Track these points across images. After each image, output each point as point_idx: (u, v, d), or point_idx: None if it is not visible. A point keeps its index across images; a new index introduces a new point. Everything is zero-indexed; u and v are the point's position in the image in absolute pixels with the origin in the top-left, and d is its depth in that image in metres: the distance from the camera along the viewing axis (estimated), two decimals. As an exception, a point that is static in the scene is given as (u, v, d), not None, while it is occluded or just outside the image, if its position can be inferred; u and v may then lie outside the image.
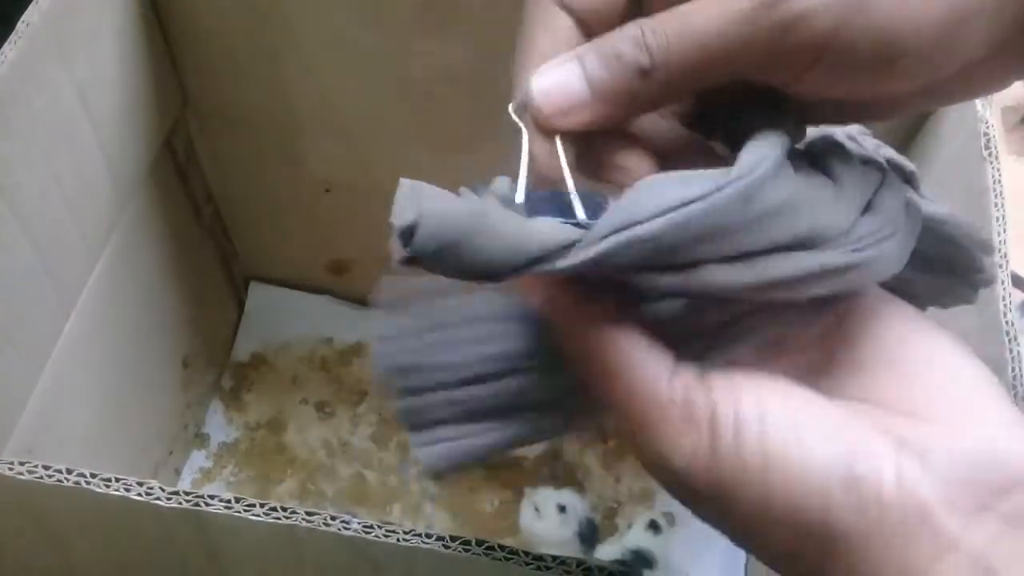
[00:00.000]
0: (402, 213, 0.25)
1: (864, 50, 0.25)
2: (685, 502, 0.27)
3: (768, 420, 0.25)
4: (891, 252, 0.27)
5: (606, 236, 0.24)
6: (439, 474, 0.30)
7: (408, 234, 0.25)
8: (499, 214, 0.25)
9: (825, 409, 0.26)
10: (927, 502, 0.24)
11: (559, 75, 0.27)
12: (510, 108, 0.28)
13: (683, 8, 0.26)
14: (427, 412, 0.30)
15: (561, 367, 0.29)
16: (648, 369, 0.27)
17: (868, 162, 0.29)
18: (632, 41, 0.26)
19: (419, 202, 0.25)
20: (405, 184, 0.26)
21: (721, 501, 0.26)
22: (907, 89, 0.26)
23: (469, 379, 0.30)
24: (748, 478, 0.25)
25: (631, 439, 0.27)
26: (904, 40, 0.24)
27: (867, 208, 0.27)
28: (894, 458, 0.25)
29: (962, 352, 0.28)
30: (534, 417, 0.30)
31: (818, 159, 0.28)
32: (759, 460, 0.25)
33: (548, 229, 0.25)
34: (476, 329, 0.30)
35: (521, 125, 0.28)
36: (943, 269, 0.32)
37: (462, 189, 0.28)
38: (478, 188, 0.28)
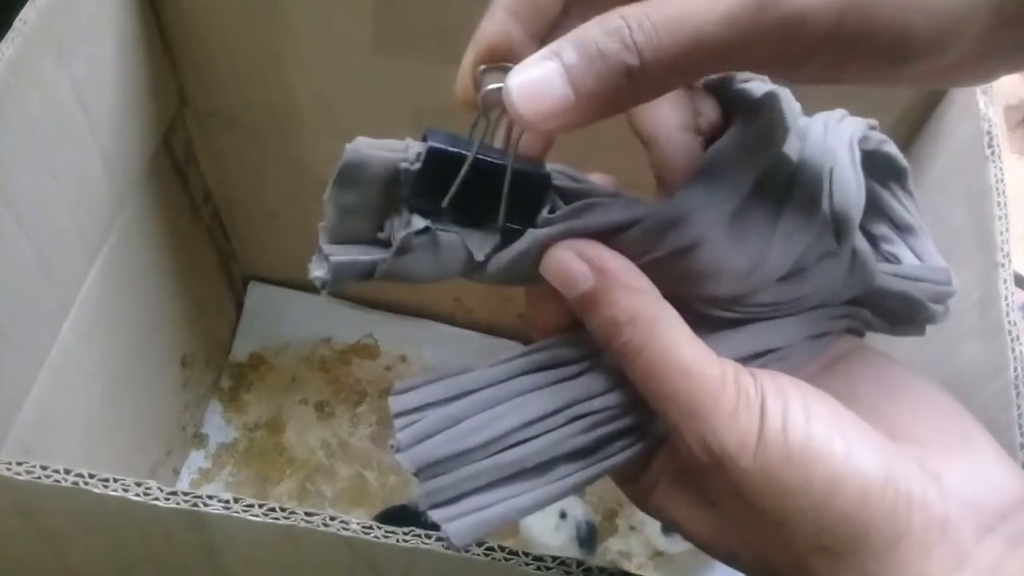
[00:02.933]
0: (314, 268, 0.30)
1: (872, 41, 0.24)
2: (718, 494, 0.27)
3: (813, 414, 0.26)
4: (805, 320, 0.30)
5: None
6: (465, 545, 0.30)
7: (323, 284, 0.30)
8: (410, 259, 0.28)
9: (861, 420, 0.27)
10: (948, 516, 0.25)
11: (538, 75, 0.24)
12: (477, 97, 0.27)
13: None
14: (453, 488, 0.29)
15: (592, 412, 0.29)
16: (698, 350, 0.27)
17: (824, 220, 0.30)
18: (616, 37, 0.24)
19: (327, 260, 0.30)
20: (319, 235, 0.31)
21: (756, 487, 0.26)
22: (908, 77, 0.26)
23: (497, 450, 0.29)
24: (791, 463, 0.25)
25: (677, 428, 0.27)
26: (914, 30, 0.24)
27: (798, 273, 0.29)
28: (919, 474, 0.26)
29: (945, 392, 0.30)
30: (566, 472, 0.30)
31: (771, 208, 0.29)
32: (803, 447, 0.25)
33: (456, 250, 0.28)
34: (497, 401, 0.30)
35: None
36: (900, 318, 0.34)
37: (408, 140, 0.29)
38: (433, 132, 0.29)
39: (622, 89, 0.24)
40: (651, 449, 0.30)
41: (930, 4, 0.24)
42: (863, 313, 0.32)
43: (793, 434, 0.26)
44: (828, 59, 0.24)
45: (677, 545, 0.72)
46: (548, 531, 0.69)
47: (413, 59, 0.60)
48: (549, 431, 0.29)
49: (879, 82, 0.26)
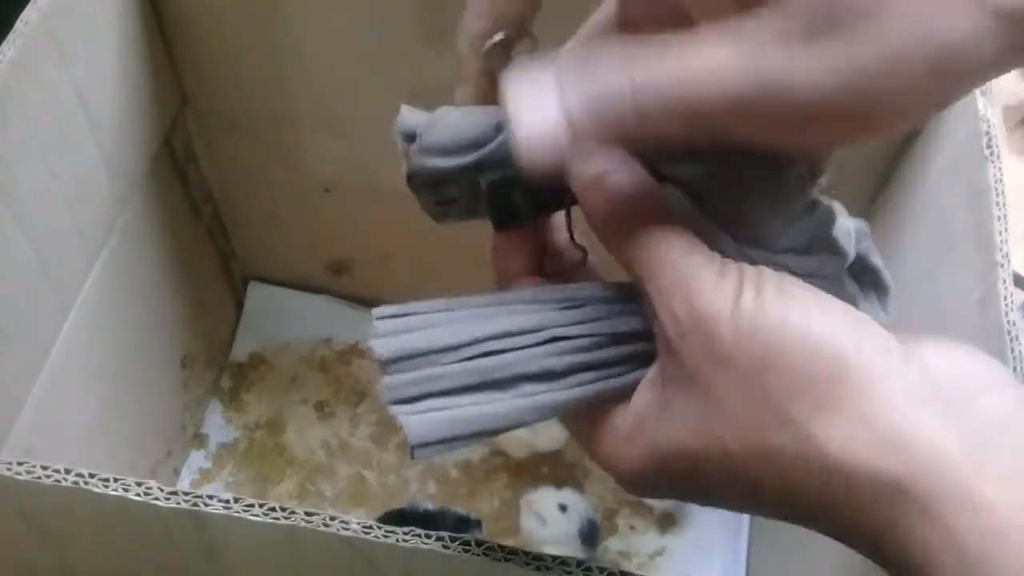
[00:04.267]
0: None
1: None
2: (703, 365, 0.27)
3: (786, 282, 0.27)
4: None
5: None
6: (424, 453, 0.29)
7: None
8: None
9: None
10: (937, 377, 0.26)
11: (541, 121, 0.26)
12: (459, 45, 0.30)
13: (679, 52, 0.25)
14: (418, 385, 0.29)
15: (570, 337, 0.29)
16: (685, 233, 0.28)
17: None
18: (619, 94, 0.25)
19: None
20: None
21: (740, 344, 0.26)
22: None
23: (468, 356, 0.29)
24: (768, 315, 0.26)
25: (665, 302, 0.27)
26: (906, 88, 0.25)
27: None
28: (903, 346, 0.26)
29: None
30: (532, 392, 0.29)
31: None
32: (781, 302, 0.26)
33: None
34: (477, 312, 0.30)
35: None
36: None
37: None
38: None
39: (620, 137, 0.26)
40: (622, 394, 0.30)
41: None
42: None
43: (772, 287, 0.26)
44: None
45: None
46: (551, 528, 0.69)
47: (414, 59, 0.60)
48: (522, 348, 0.29)
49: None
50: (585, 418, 0.30)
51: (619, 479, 0.30)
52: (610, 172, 0.28)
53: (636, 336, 0.30)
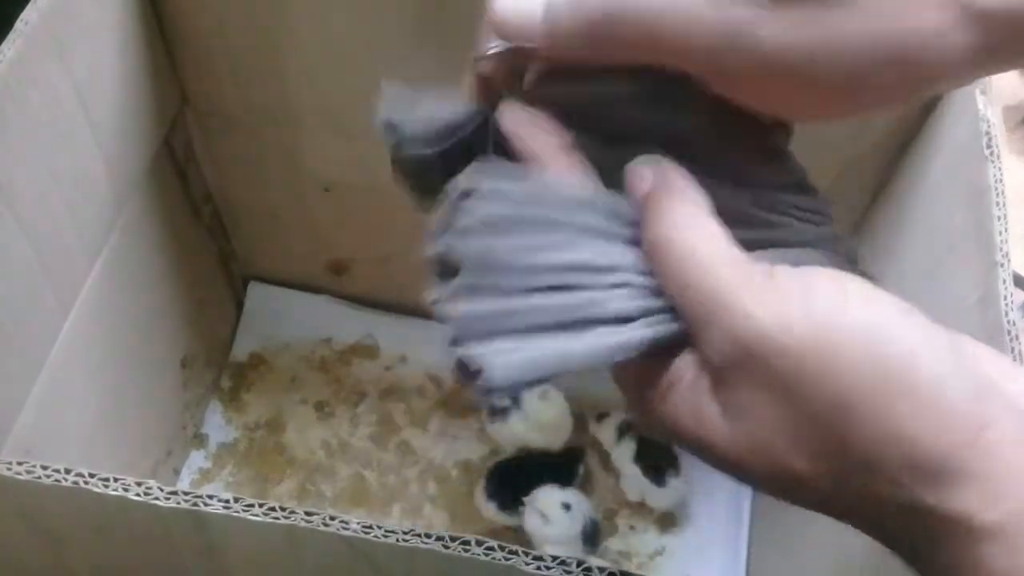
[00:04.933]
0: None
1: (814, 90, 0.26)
2: (752, 382, 0.25)
3: (875, 296, 0.25)
4: None
5: None
6: (501, 391, 0.27)
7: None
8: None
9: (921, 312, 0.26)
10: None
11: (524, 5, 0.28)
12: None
13: None
14: (489, 321, 0.27)
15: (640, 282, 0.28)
16: (728, 244, 0.27)
17: None
18: (602, 8, 0.27)
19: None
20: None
21: (807, 369, 0.24)
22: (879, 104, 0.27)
23: (539, 288, 0.28)
24: (854, 338, 0.24)
25: (704, 316, 0.26)
26: (870, 71, 0.25)
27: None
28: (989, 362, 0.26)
29: None
30: (605, 333, 0.28)
31: None
32: (869, 322, 0.24)
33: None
34: (549, 231, 0.29)
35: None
36: None
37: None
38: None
39: (588, 39, 0.28)
40: (678, 343, 0.28)
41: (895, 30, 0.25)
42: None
43: (857, 311, 0.24)
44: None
45: (663, 499, 0.73)
46: (555, 527, 0.69)
47: (414, 59, 0.60)
48: (599, 288, 0.28)
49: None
50: (630, 367, 0.29)
51: (643, 423, 0.29)
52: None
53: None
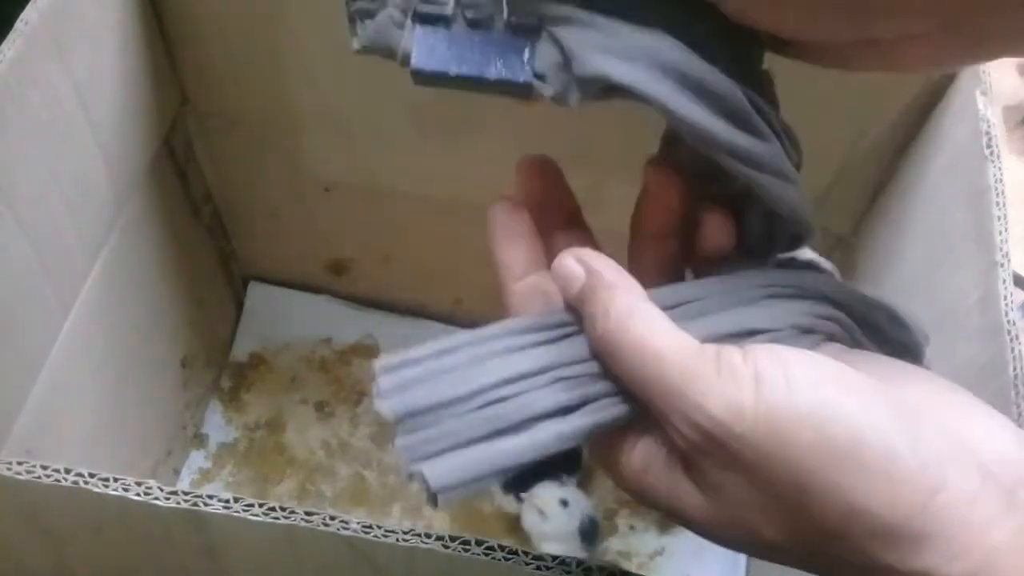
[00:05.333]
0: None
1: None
2: (718, 464, 0.26)
3: (823, 376, 0.26)
4: None
5: None
6: (446, 497, 0.28)
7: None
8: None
9: (873, 382, 0.26)
10: (984, 466, 0.26)
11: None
12: None
13: None
14: (433, 442, 0.28)
15: (587, 371, 0.29)
16: (674, 337, 0.28)
17: None
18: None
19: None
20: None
21: (764, 453, 0.25)
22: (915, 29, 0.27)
23: (478, 405, 0.29)
24: (803, 423, 0.25)
25: (662, 407, 0.27)
26: None
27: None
28: (944, 432, 0.26)
29: (947, 380, 0.30)
30: (548, 427, 0.29)
31: None
32: (816, 405, 0.25)
33: None
34: (477, 354, 0.30)
35: None
36: (889, 339, 0.34)
37: None
38: None
39: None
40: (634, 419, 0.29)
41: None
42: (850, 326, 0.32)
43: (802, 394, 0.25)
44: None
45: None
46: (553, 523, 0.69)
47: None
48: (533, 389, 0.29)
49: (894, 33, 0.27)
50: (603, 445, 0.30)
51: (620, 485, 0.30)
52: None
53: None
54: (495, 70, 0.27)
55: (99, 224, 0.58)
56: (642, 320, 0.28)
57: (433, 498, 0.28)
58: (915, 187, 0.56)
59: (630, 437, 0.29)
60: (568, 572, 0.35)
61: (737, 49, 0.30)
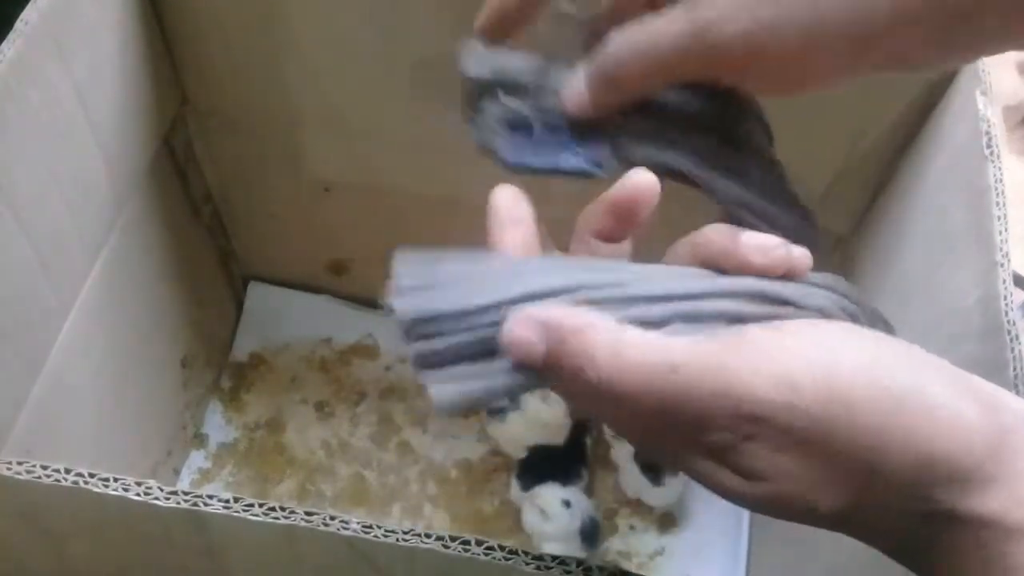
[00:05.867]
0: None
1: (775, 61, 0.30)
2: (769, 448, 0.25)
3: (851, 339, 0.26)
4: None
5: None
6: (449, 411, 0.28)
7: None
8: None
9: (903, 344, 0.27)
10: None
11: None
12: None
13: (640, 28, 0.32)
14: (444, 353, 0.29)
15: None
16: (676, 343, 0.27)
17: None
18: (602, 59, 0.33)
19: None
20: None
21: (818, 420, 0.25)
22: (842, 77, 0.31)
23: (495, 320, 0.28)
24: (856, 382, 0.25)
25: (695, 419, 0.26)
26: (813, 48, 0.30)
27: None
28: (983, 383, 0.27)
29: None
30: None
31: None
32: (865, 365, 0.25)
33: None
34: (504, 269, 0.30)
35: None
36: None
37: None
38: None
39: (611, 88, 0.33)
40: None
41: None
42: (855, 312, 0.32)
43: (847, 356, 0.25)
44: (759, 74, 0.31)
45: (659, 497, 0.72)
46: (554, 523, 0.69)
47: (414, 59, 0.60)
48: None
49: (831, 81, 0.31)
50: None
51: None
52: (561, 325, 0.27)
53: (674, 298, 0.29)
54: (565, 162, 0.35)
55: (99, 224, 0.58)
56: (635, 347, 0.26)
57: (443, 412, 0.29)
58: (915, 187, 0.56)
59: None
60: (568, 572, 0.35)
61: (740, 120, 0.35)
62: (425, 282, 0.29)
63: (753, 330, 0.26)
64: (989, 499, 0.24)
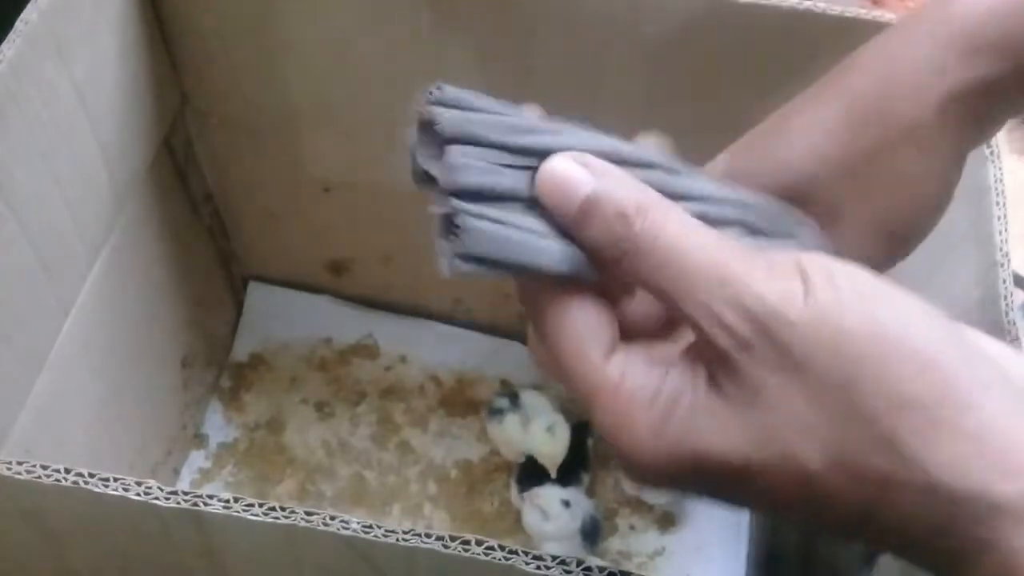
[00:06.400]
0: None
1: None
2: (761, 363, 0.25)
3: (861, 274, 0.26)
4: None
5: None
6: (463, 268, 0.26)
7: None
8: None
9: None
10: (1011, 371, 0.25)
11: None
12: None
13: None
14: (483, 176, 0.26)
15: None
16: (715, 232, 0.27)
17: None
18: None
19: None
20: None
21: (815, 341, 0.24)
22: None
23: (536, 165, 0.27)
24: (852, 309, 0.25)
25: (706, 297, 0.26)
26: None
27: None
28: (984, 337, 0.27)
29: None
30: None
31: None
32: (862, 294, 0.25)
33: None
34: (545, 124, 0.28)
35: None
36: None
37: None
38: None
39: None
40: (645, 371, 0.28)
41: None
42: None
43: (847, 285, 0.25)
44: None
45: (659, 494, 0.72)
46: (554, 523, 0.69)
47: (413, 59, 0.60)
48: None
49: None
50: (610, 398, 0.28)
51: (634, 469, 0.28)
52: (603, 189, 0.27)
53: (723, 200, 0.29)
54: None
55: (99, 224, 0.58)
56: (679, 214, 0.27)
57: (450, 263, 0.27)
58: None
59: (650, 381, 0.27)
60: (568, 572, 0.35)
61: None
62: (467, 105, 0.27)
63: (769, 251, 0.27)
64: (972, 474, 0.24)
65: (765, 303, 0.25)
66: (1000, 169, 0.47)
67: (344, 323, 0.83)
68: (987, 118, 0.36)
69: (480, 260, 0.27)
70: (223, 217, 0.77)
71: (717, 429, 0.26)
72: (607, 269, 0.28)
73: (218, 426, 0.79)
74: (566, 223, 0.27)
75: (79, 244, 0.56)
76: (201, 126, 0.69)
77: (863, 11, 0.50)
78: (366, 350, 0.82)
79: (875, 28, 0.50)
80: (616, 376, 0.27)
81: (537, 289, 0.28)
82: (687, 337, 0.28)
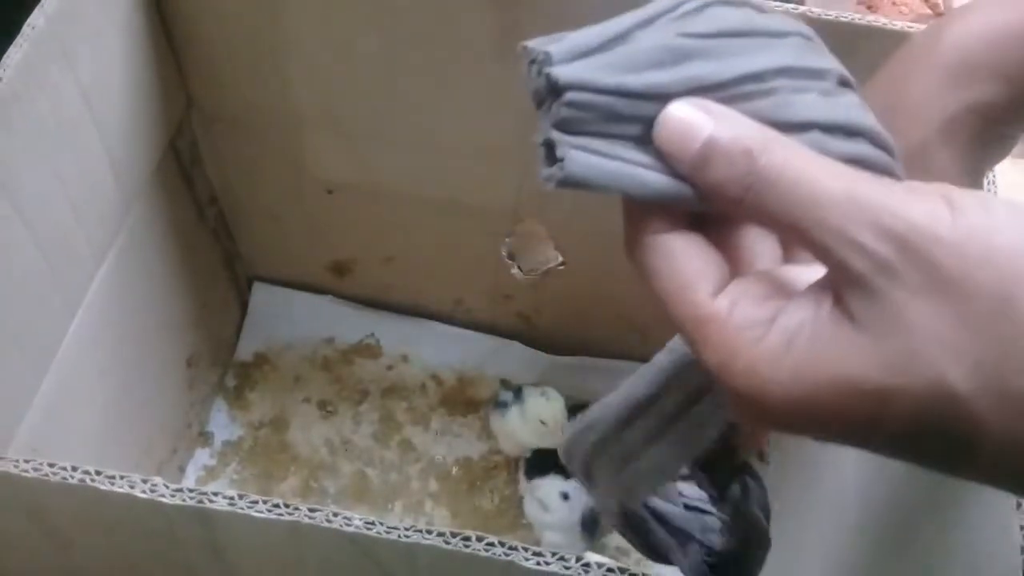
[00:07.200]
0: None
1: None
2: (904, 286, 0.24)
3: (1002, 201, 0.24)
4: None
5: None
6: (576, 183, 0.26)
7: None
8: None
9: None
10: None
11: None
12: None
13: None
14: (593, 123, 0.26)
15: None
16: (843, 165, 0.26)
17: None
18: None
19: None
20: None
21: (968, 256, 0.23)
22: None
23: (651, 114, 0.27)
24: (1005, 222, 0.23)
25: (844, 231, 0.24)
26: None
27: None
28: None
29: None
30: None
31: None
32: (1010, 208, 0.24)
33: None
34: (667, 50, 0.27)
35: None
36: None
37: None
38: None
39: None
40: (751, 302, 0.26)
41: None
42: None
43: (993, 204, 0.24)
44: None
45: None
46: (554, 515, 0.69)
47: (415, 62, 0.60)
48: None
49: None
50: (715, 332, 0.26)
51: (750, 405, 0.26)
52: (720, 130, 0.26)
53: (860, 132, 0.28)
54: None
55: (105, 226, 0.59)
56: (803, 148, 0.26)
57: (556, 181, 0.26)
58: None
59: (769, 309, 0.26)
60: (567, 568, 0.36)
61: None
62: (580, 47, 0.27)
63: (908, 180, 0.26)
64: None
65: (909, 221, 0.23)
66: (992, 171, 0.47)
67: (346, 323, 0.83)
68: (992, 138, 0.37)
69: (589, 177, 0.27)
70: (228, 219, 0.77)
71: (847, 356, 0.24)
72: (726, 210, 0.27)
73: (223, 424, 0.79)
74: (686, 167, 0.27)
75: (85, 246, 0.56)
76: (206, 129, 0.69)
77: (857, 16, 0.51)
78: (368, 350, 0.83)
79: (868, 33, 0.51)
80: (725, 308, 0.26)
81: (644, 219, 0.28)
82: (803, 278, 0.27)
